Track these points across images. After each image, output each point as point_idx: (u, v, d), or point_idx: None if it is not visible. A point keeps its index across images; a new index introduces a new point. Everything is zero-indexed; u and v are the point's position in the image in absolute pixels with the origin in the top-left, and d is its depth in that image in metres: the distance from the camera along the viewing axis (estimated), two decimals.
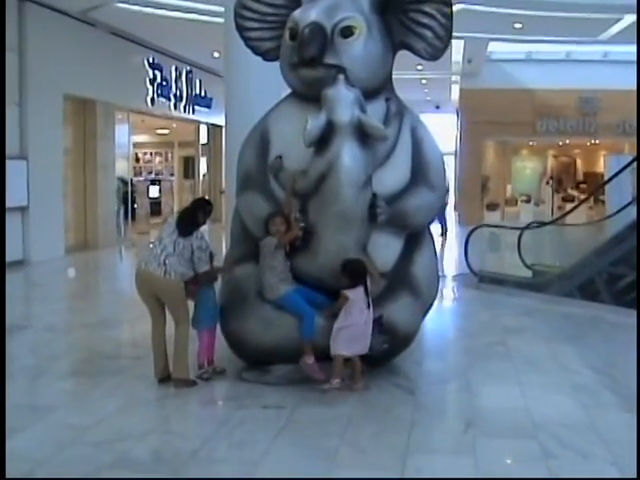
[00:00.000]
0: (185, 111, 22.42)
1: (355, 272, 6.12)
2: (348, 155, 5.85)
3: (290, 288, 6.23)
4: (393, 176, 6.44)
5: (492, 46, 22.94)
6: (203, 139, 25.79)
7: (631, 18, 17.51)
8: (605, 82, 23.64)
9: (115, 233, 18.62)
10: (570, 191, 28.02)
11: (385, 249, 6.45)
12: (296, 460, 4.80)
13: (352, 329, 6.10)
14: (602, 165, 29.74)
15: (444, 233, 19.31)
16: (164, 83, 20.83)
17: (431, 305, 7.06)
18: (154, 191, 24.31)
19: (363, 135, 5.96)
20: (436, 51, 6.65)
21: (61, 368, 7.07)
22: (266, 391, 6.12)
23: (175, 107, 21.73)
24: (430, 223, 7.15)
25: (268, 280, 6.23)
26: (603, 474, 4.60)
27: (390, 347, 6.42)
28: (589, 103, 25.27)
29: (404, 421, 5.50)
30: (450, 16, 6.49)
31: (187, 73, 22.33)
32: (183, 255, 6.28)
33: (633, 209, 11.54)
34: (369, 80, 6.38)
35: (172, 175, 28.91)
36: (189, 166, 28.55)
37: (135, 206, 21.38)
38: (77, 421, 5.48)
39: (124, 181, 19.90)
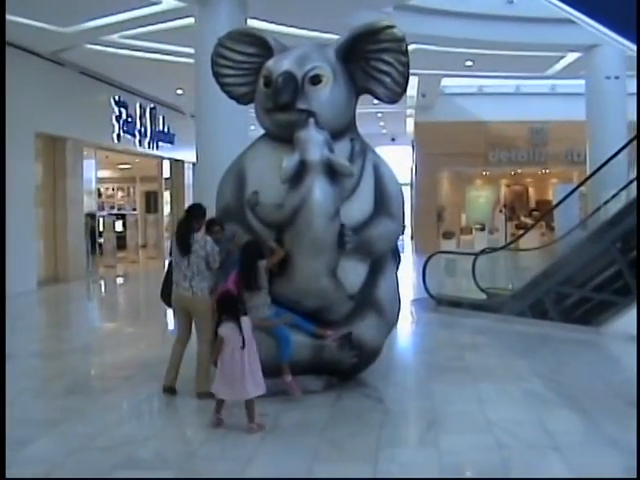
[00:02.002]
0: (149, 147, 23.05)
1: (220, 302, 6.26)
2: (319, 190, 6.57)
3: (272, 312, 6.89)
4: (358, 208, 7.15)
5: (445, 81, 23.95)
6: (166, 174, 26.34)
7: (574, 56, 18.70)
8: (553, 114, 24.71)
9: (84, 267, 19.09)
10: (523, 219, 28.89)
11: (352, 273, 7.14)
12: (283, 456, 5.49)
13: (225, 372, 6.03)
14: (553, 193, 30.83)
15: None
16: (129, 120, 21.51)
17: (394, 323, 7.76)
18: (119, 226, 24.78)
19: (332, 172, 6.69)
20: (395, 95, 7.44)
21: (57, 389, 7.62)
22: None
23: (140, 143, 22.38)
24: (392, 249, 7.84)
25: (255, 301, 6.86)
26: (548, 459, 5.35)
27: (359, 361, 7.14)
28: (539, 134, 26.38)
29: (374, 423, 6.21)
30: (407, 64, 7.27)
31: (151, 110, 23.01)
32: (200, 269, 6.98)
33: (579, 233, 12.46)
34: (336, 122, 7.13)
35: (134, 210, 29.41)
36: (151, 200, 29.05)
37: (102, 240, 21.88)
38: (83, 431, 6.10)
39: (91, 216, 20.39)
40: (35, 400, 7.27)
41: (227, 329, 6.03)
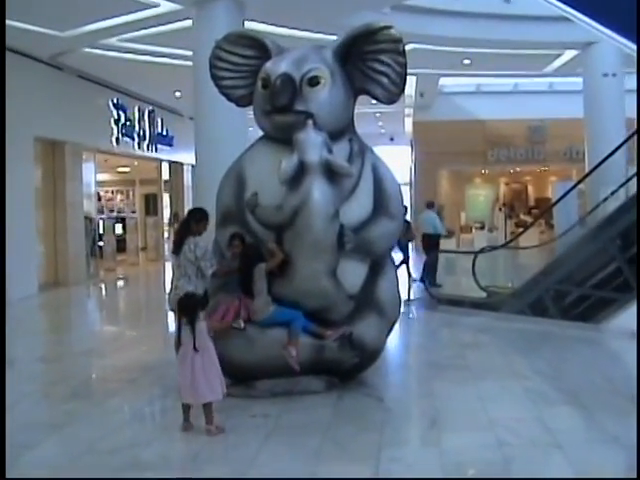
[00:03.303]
0: (148, 149, 23.03)
1: (180, 305, 6.21)
2: (318, 191, 6.59)
3: (276, 306, 6.94)
4: (357, 208, 7.16)
5: (443, 80, 23.96)
6: (165, 176, 26.35)
7: (571, 53, 18.72)
8: (552, 112, 24.75)
9: (85, 271, 19.09)
10: (523, 217, 28.90)
11: (352, 274, 7.17)
12: (285, 456, 5.51)
13: (181, 376, 6.07)
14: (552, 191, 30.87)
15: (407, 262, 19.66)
16: (128, 123, 21.46)
17: (394, 323, 7.76)
18: (119, 228, 24.79)
19: (331, 173, 6.72)
20: (392, 95, 7.48)
21: (60, 393, 7.62)
22: (252, 403, 6.79)
23: (139, 146, 22.36)
24: (391, 250, 7.87)
25: (256, 303, 6.90)
26: (549, 457, 5.38)
27: (359, 361, 7.17)
28: (537, 132, 26.43)
29: (376, 423, 6.23)
30: (404, 65, 7.31)
31: (149, 113, 22.97)
32: (187, 272, 7.03)
33: (578, 230, 12.49)
34: (334, 123, 7.15)
35: (134, 212, 29.41)
36: (151, 203, 29.04)
37: (101, 244, 21.89)
38: (87, 434, 6.13)
39: (90, 219, 20.39)
40: (39, 404, 7.31)
41: (186, 333, 6.04)
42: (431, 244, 15.63)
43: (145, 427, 6.43)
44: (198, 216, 7.41)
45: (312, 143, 6.70)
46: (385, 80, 7.38)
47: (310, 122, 6.82)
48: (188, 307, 6.13)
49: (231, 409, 6.57)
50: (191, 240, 7.20)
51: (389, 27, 7.31)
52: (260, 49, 7.68)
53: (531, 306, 11.19)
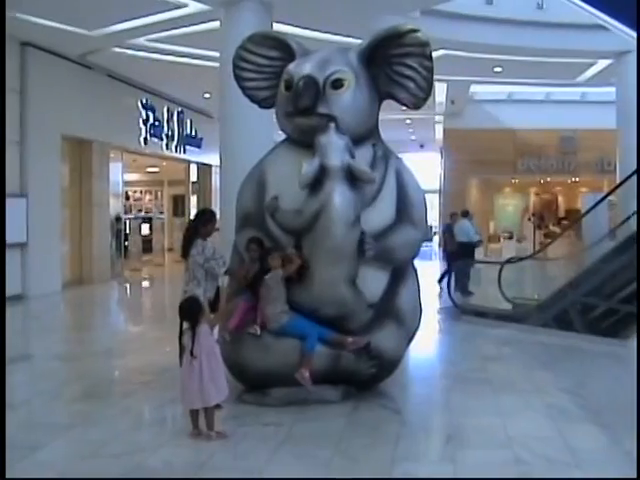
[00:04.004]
0: (176, 151, 23.05)
1: (180, 309, 6.09)
2: (339, 196, 6.45)
3: (292, 315, 6.78)
4: (380, 215, 7.02)
5: (474, 87, 23.73)
6: (193, 178, 26.34)
7: (604, 63, 18.43)
8: (583, 122, 24.51)
9: (109, 269, 19.10)
10: (552, 227, 28.60)
11: (373, 282, 7.00)
12: (295, 468, 5.34)
13: (184, 380, 6.00)
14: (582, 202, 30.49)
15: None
16: (156, 123, 21.50)
17: (414, 333, 7.59)
18: (145, 229, 24.81)
19: (352, 178, 6.58)
20: (418, 100, 7.32)
21: (73, 392, 7.55)
22: (265, 411, 6.64)
23: (167, 147, 22.38)
24: (414, 258, 7.65)
25: (272, 310, 6.75)
26: (568, 476, 5.18)
27: (377, 371, 6.99)
28: (568, 142, 26.11)
29: (391, 435, 6.06)
30: (431, 69, 7.15)
31: (178, 114, 23.00)
32: (195, 275, 6.91)
33: (608, 243, 12.23)
34: (357, 128, 7.01)
35: (162, 213, 29.47)
36: (179, 204, 29.07)
37: (127, 243, 21.91)
38: (95, 437, 6.01)
39: (117, 219, 20.40)
40: (50, 403, 7.17)
41: (185, 337, 5.95)
42: (465, 253, 15.54)
43: (154, 432, 6.27)
44: (205, 218, 7.29)
45: (334, 147, 6.57)
46: (411, 84, 7.22)
47: (332, 125, 6.68)
48: (188, 311, 6.01)
49: (244, 416, 6.45)
50: (198, 243, 7.09)
51: (416, 30, 7.16)
52: (284, 50, 7.56)
53: (556, 319, 10.95)
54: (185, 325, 6.00)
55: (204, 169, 26.04)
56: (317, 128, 6.74)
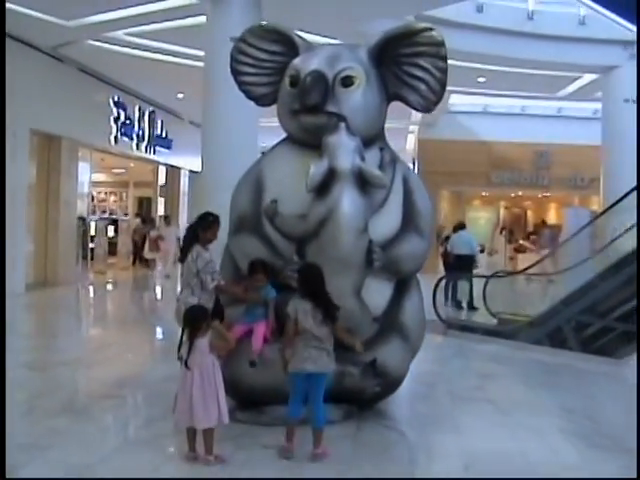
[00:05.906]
0: (146, 151, 22.42)
1: (184, 318, 5.65)
2: (348, 202, 5.96)
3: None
4: (386, 223, 6.56)
5: (452, 98, 23.44)
6: (162, 180, 25.73)
7: (588, 77, 18.27)
8: (558, 137, 24.36)
9: (75, 271, 18.43)
10: (522, 242, 28.50)
11: (377, 294, 6.54)
12: None
13: (178, 396, 5.53)
14: (552, 217, 30.45)
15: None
16: (127, 122, 20.85)
17: (418, 348, 7.14)
18: (111, 231, 24.14)
19: (362, 183, 6.10)
20: (429, 104, 6.90)
21: (47, 406, 6.85)
22: (262, 431, 6.10)
23: (137, 147, 21.77)
24: (419, 270, 7.16)
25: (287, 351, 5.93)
26: None
27: (382, 389, 6.53)
28: (543, 157, 25.96)
29: (402, 461, 5.64)
30: (445, 70, 6.75)
31: (150, 113, 22.38)
32: (189, 282, 6.39)
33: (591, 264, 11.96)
34: (367, 129, 6.56)
35: (126, 215, 28.78)
36: (144, 206, 28.39)
37: (93, 245, 21.25)
38: (77, 460, 5.37)
39: (83, 219, 19.74)
40: (22, 419, 6.46)
41: (183, 348, 5.44)
42: (464, 265, 15.44)
43: (143, 454, 5.59)
44: (206, 223, 6.69)
45: (344, 148, 6.08)
46: (423, 87, 6.80)
47: (343, 125, 6.20)
48: (190, 320, 5.47)
49: (240, 437, 5.93)
50: (195, 249, 6.55)
51: (431, 29, 6.78)
52: (287, 45, 7.06)
53: (550, 336, 10.62)
54: (185, 336, 5.46)
55: (173, 172, 25.48)
56: (324, 128, 6.26)
